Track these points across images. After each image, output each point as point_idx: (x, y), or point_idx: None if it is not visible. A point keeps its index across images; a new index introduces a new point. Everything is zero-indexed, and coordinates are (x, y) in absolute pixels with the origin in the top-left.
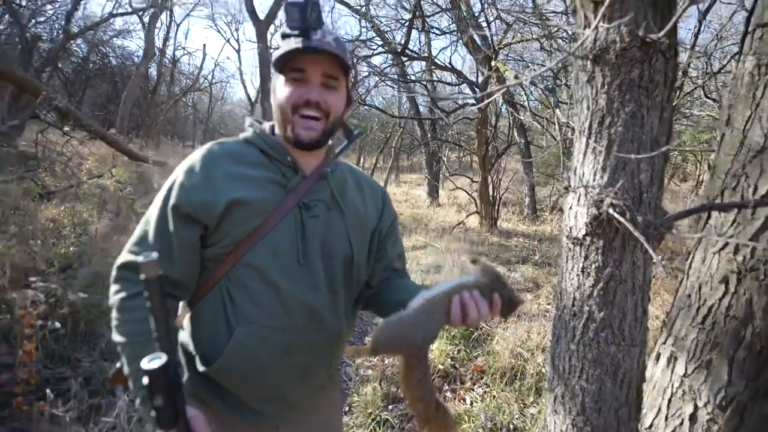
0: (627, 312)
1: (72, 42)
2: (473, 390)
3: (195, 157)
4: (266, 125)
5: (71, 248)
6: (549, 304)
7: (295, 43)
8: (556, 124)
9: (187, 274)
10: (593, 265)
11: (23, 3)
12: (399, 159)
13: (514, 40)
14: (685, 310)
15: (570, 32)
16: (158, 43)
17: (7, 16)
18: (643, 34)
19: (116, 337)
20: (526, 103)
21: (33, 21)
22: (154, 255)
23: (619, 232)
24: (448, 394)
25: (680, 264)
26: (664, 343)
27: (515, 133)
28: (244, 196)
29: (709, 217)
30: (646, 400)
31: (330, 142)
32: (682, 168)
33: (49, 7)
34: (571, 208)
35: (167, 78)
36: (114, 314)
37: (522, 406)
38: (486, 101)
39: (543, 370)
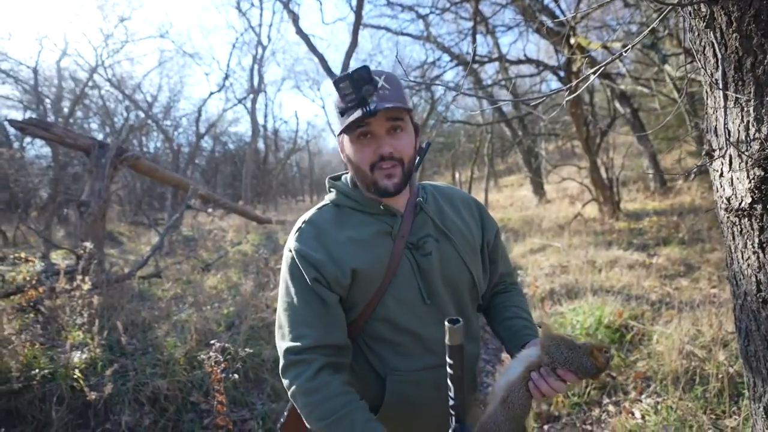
0: None
1: (201, 140)
2: (641, 401)
3: (303, 234)
4: (345, 179)
5: (230, 308)
6: (714, 287)
7: (356, 114)
8: (668, 80)
9: (345, 337)
10: None
11: (167, 123)
12: (494, 164)
13: (590, 9)
14: None
15: None
16: (261, 120)
17: (160, 135)
18: None
19: (314, 423)
20: (622, 69)
21: (176, 134)
22: (461, 321)
23: None
24: (611, 408)
25: None
26: None
27: (617, 104)
28: (363, 263)
29: None
30: None
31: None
32: None
33: (184, 120)
34: (722, 174)
35: (273, 147)
36: (302, 400)
37: (714, 417)
38: (581, 88)
39: (731, 370)
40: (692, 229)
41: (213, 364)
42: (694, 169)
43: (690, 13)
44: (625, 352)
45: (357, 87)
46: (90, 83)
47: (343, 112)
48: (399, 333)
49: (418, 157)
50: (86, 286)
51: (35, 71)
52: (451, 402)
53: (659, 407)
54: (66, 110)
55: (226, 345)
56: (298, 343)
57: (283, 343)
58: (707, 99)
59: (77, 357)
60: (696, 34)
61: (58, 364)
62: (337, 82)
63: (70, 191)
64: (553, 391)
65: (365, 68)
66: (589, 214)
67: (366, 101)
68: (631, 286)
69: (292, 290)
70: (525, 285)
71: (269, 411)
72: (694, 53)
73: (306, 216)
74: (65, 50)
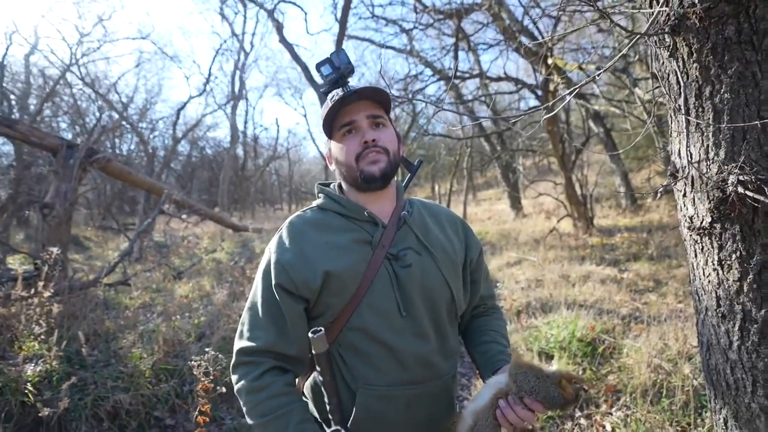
0: None
1: (178, 144)
2: (611, 414)
3: (282, 234)
4: (333, 186)
5: (201, 318)
6: (680, 302)
7: (336, 96)
8: (638, 102)
9: (301, 348)
10: (734, 256)
11: (143, 125)
12: (473, 178)
13: (566, 32)
14: None
15: (630, 7)
16: (240, 126)
17: (134, 137)
18: None
19: (254, 419)
20: (596, 90)
21: (151, 136)
22: (322, 330)
23: (759, 212)
24: (582, 421)
25: None
26: None
27: (591, 124)
28: (337, 266)
29: None
30: None
31: (395, 179)
32: None
33: (161, 123)
34: (684, 195)
35: (252, 154)
36: (245, 398)
37: (680, 429)
38: (558, 107)
39: (695, 383)
40: (660, 246)
41: (201, 374)
42: (660, 189)
43: (655, 42)
44: (597, 365)
45: (335, 66)
46: (61, 81)
47: (326, 93)
48: (373, 344)
49: (409, 174)
50: (46, 293)
51: (2, 66)
52: (328, 407)
53: (629, 420)
54: (32, 107)
55: (220, 356)
56: (251, 344)
57: (239, 341)
58: (671, 123)
59: (30, 369)
60: (661, 62)
61: (8, 378)
62: (318, 66)
63: (32, 192)
64: (521, 420)
65: (342, 50)
66: (564, 229)
67: (345, 79)
68: (603, 301)
69: (259, 291)
70: (501, 298)
71: (239, 426)
72: (660, 79)
73: (290, 219)
74: (36, 45)
